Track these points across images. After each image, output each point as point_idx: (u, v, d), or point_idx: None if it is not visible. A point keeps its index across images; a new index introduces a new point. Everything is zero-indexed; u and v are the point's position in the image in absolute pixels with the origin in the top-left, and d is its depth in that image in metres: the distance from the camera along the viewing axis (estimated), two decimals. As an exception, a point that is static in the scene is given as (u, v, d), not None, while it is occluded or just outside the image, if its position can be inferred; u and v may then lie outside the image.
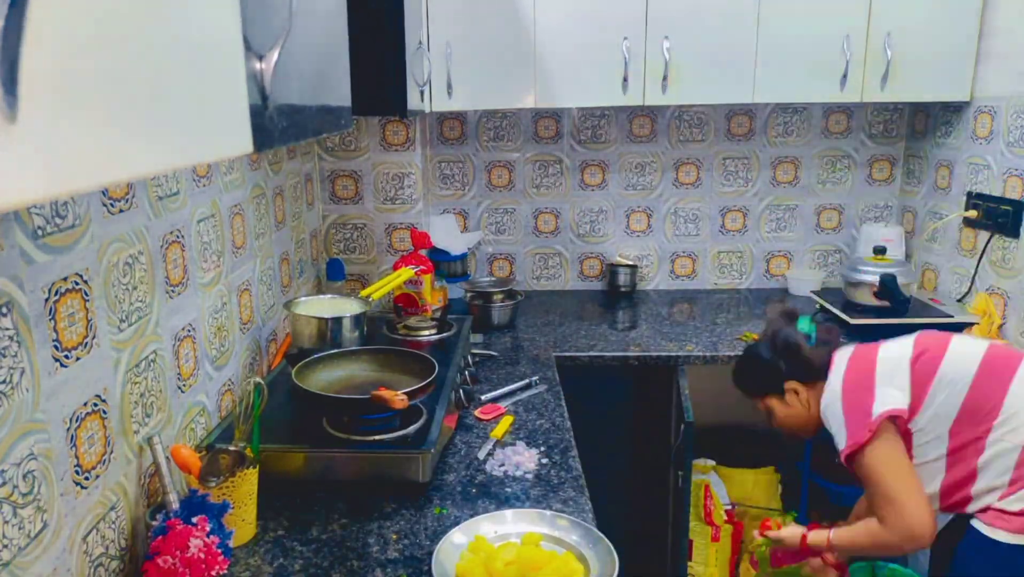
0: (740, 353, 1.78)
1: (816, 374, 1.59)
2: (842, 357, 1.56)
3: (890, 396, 1.44)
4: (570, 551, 1.20)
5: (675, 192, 2.79)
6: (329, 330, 1.76)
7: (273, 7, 0.84)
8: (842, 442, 1.46)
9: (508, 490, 1.41)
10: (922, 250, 2.62)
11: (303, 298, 1.89)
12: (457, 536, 1.21)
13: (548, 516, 1.27)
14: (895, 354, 1.50)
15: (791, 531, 1.61)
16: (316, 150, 2.40)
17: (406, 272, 2.14)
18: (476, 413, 1.72)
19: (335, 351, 1.66)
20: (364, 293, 1.93)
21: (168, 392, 1.33)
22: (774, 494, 2.44)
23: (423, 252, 2.38)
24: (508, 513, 1.28)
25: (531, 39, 2.27)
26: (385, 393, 1.39)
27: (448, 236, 2.61)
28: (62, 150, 0.45)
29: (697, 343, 2.24)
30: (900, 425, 1.45)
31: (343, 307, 1.85)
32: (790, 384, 1.61)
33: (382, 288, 2.00)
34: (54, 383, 0.99)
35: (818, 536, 1.56)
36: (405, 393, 1.41)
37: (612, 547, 1.18)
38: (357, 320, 1.79)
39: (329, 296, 1.97)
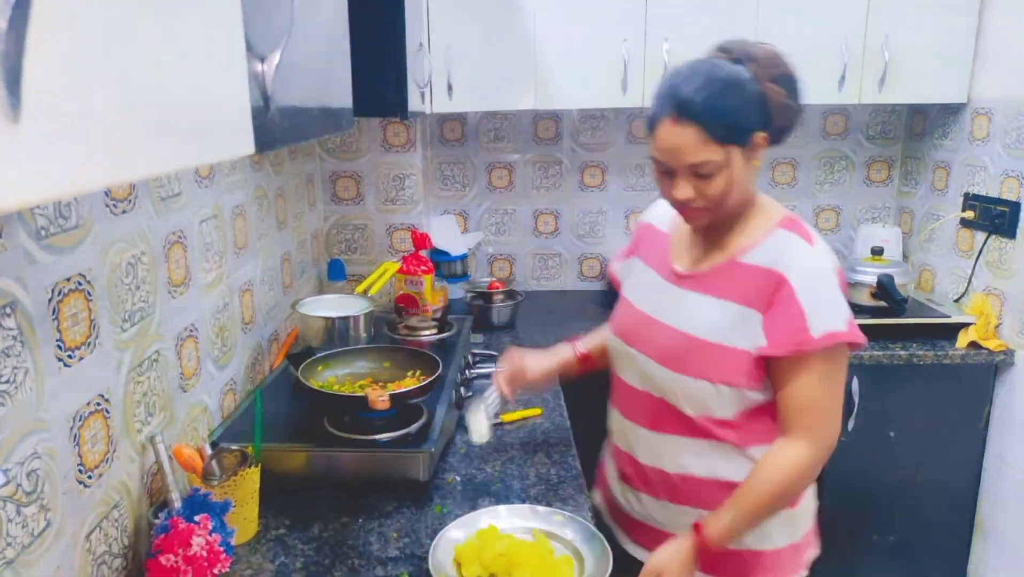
0: (707, 68, 1.18)
1: (784, 135, 1.22)
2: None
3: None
4: (565, 548, 1.21)
5: (674, 193, 2.79)
6: (336, 329, 1.79)
7: (275, 9, 0.85)
8: (833, 324, 1.16)
9: (508, 489, 1.42)
10: (919, 251, 2.63)
11: (309, 299, 1.92)
12: (454, 531, 1.23)
13: (542, 512, 1.28)
14: None
15: (672, 554, 1.20)
16: (317, 151, 2.41)
17: (391, 265, 2.20)
18: None
19: (339, 349, 1.67)
20: (360, 289, 1.95)
21: (171, 392, 1.33)
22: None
23: (423, 253, 2.38)
24: (502, 509, 1.29)
25: (531, 41, 2.28)
26: (369, 393, 1.41)
27: (448, 237, 2.62)
28: (65, 151, 0.45)
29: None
30: None
31: (351, 305, 1.88)
32: (760, 136, 1.19)
33: (376, 282, 2.03)
34: (57, 383, 1.00)
35: (718, 527, 1.19)
36: (394, 394, 1.42)
37: (606, 543, 1.19)
38: (366, 319, 1.83)
39: (335, 296, 2.01)
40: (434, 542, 1.19)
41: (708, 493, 1.26)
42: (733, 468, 1.24)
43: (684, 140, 1.15)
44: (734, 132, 1.16)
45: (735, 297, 1.22)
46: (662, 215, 1.40)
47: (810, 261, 1.21)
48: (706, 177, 1.17)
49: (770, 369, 1.20)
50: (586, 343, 1.53)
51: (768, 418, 1.23)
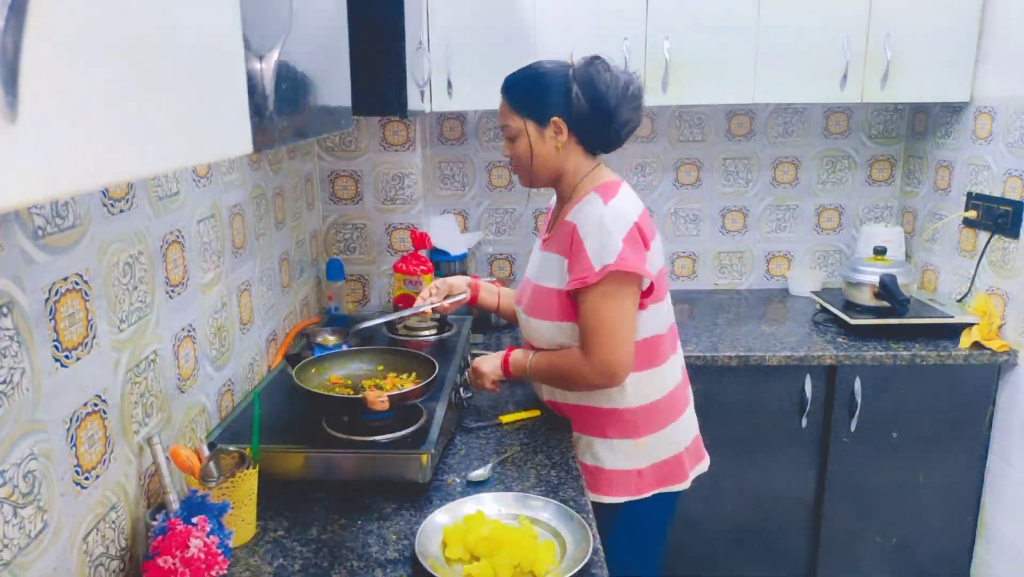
0: (532, 66, 1.56)
1: (603, 145, 1.56)
2: (630, 193, 1.55)
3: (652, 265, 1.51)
4: (546, 532, 1.26)
5: (675, 192, 2.79)
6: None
7: (273, 7, 0.84)
8: (606, 258, 1.43)
9: (508, 490, 1.41)
10: (922, 250, 2.62)
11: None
12: (441, 516, 1.28)
13: (522, 497, 1.35)
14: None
15: (492, 359, 1.68)
16: (316, 150, 2.40)
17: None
18: None
19: (336, 351, 1.67)
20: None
21: (168, 392, 1.33)
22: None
23: (423, 252, 2.37)
24: (487, 496, 1.35)
25: (531, 40, 2.27)
26: (368, 395, 1.40)
27: (448, 236, 2.61)
28: (63, 150, 0.45)
29: (697, 344, 2.24)
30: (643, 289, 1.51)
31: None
32: (559, 121, 1.51)
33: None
34: (54, 383, 0.99)
35: (519, 357, 1.64)
36: (392, 395, 1.42)
37: (587, 526, 1.24)
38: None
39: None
40: (421, 526, 1.23)
41: (576, 416, 1.63)
42: (576, 394, 1.60)
43: (501, 107, 1.58)
44: (529, 107, 1.52)
45: (557, 249, 1.55)
46: (553, 199, 1.73)
47: (596, 212, 1.48)
48: (511, 140, 1.56)
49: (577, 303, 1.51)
50: (485, 285, 1.92)
51: None
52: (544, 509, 1.31)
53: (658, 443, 1.60)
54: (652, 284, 1.50)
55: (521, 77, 1.55)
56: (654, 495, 1.61)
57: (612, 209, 1.47)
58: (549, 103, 1.51)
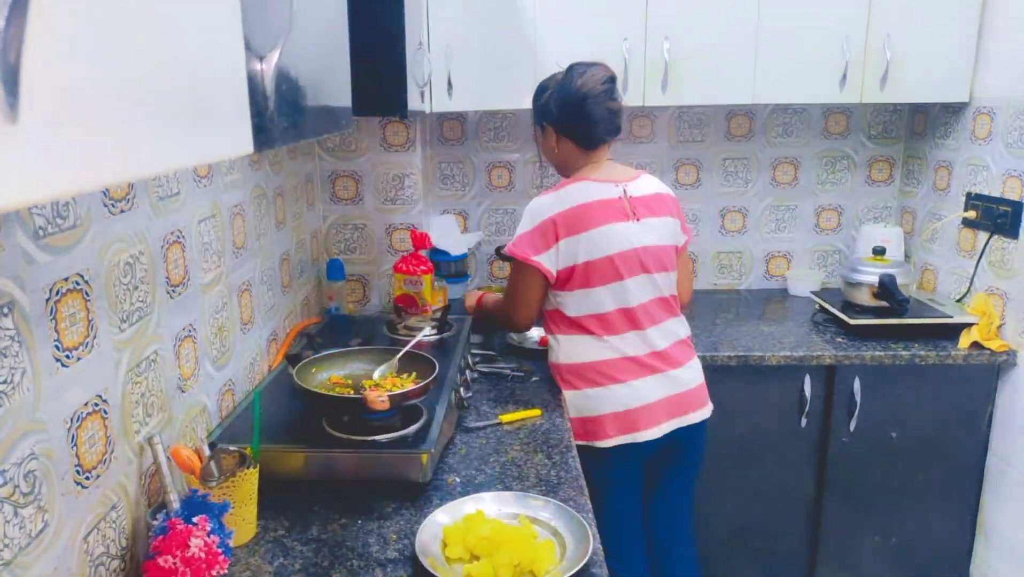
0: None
1: (589, 142, 1.81)
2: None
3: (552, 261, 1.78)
4: (547, 532, 1.26)
5: (675, 192, 2.78)
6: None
7: (274, 8, 0.84)
8: (512, 242, 1.81)
9: (508, 490, 1.41)
10: (921, 251, 2.62)
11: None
12: (441, 515, 1.28)
13: (521, 496, 1.35)
14: None
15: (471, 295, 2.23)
16: (317, 150, 2.41)
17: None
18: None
19: (336, 351, 1.67)
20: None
21: (169, 392, 1.33)
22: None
23: (423, 252, 2.38)
24: (487, 496, 1.35)
25: (531, 40, 2.27)
26: (368, 394, 1.40)
27: (448, 236, 2.61)
28: (63, 150, 0.45)
29: (696, 344, 2.24)
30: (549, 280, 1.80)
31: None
32: (548, 126, 1.83)
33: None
34: (55, 383, 0.99)
35: (476, 296, 2.21)
36: (393, 395, 1.42)
37: (584, 522, 1.24)
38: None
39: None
40: (421, 525, 1.24)
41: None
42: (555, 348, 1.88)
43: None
44: (535, 115, 1.89)
45: None
46: None
47: (531, 203, 1.81)
48: (535, 140, 1.94)
49: None
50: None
51: (557, 316, 1.83)
52: (544, 508, 1.31)
53: (580, 400, 1.80)
54: (563, 272, 1.76)
55: (540, 86, 1.87)
56: (580, 444, 1.74)
57: (535, 203, 1.79)
58: (539, 112, 1.86)
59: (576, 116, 1.77)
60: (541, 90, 1.84)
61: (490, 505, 1.32)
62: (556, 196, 1.77)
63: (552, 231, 1.73)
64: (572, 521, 1.26)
